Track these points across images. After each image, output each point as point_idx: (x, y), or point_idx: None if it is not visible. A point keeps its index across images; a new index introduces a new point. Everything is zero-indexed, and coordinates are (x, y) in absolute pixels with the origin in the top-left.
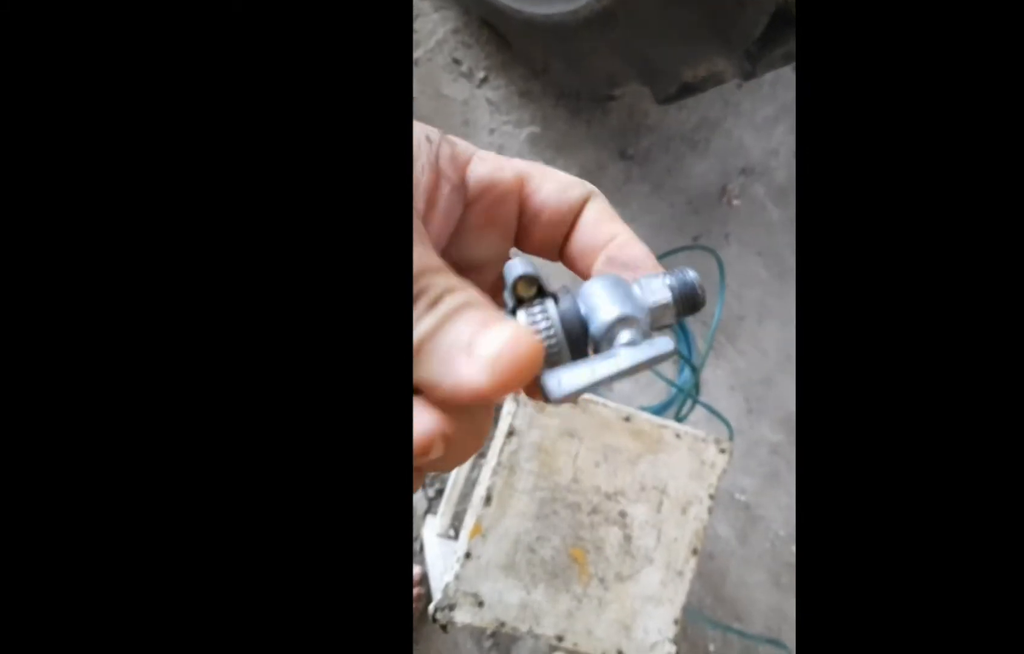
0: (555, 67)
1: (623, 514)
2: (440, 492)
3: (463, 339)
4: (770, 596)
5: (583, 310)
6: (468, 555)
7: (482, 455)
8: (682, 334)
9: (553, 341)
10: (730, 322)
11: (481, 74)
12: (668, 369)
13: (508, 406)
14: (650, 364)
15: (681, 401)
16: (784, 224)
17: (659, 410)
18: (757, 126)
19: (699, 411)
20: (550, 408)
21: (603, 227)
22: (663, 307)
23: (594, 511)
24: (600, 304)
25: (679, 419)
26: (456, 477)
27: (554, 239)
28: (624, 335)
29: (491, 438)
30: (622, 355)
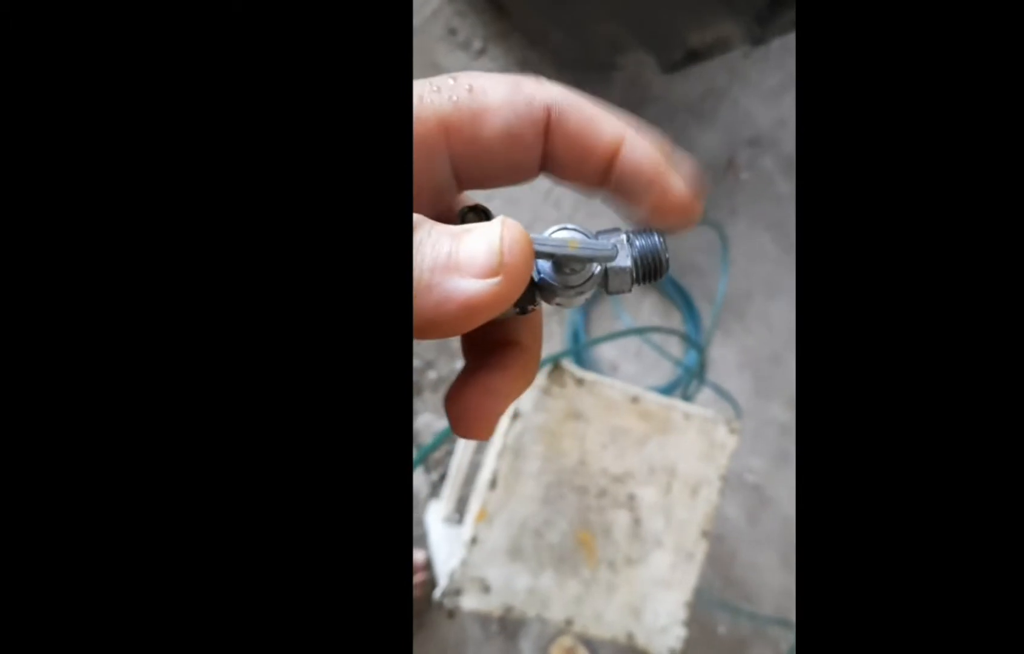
0: (555, 35)
1: (632, 497)
2: (444, 476)
3: (440, 258)
4: (780, 577)
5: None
6: (474, 540)
7: None
8: (688, 312)
9: None
10: (738, 299)
11: (478, 44)
12: (675, 348)
13: None
14: (590, 256)
15: (687, 381)
16: (794, 197)
17: (666, 390)
18: (765, 95)
19: (708, 390)
20: (555, 389)
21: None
22: (616, 240)
23: (602, 494)
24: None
25: (685, 398)
26: (460, 460)
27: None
28: (566, 234)
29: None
30: (562, 245)
